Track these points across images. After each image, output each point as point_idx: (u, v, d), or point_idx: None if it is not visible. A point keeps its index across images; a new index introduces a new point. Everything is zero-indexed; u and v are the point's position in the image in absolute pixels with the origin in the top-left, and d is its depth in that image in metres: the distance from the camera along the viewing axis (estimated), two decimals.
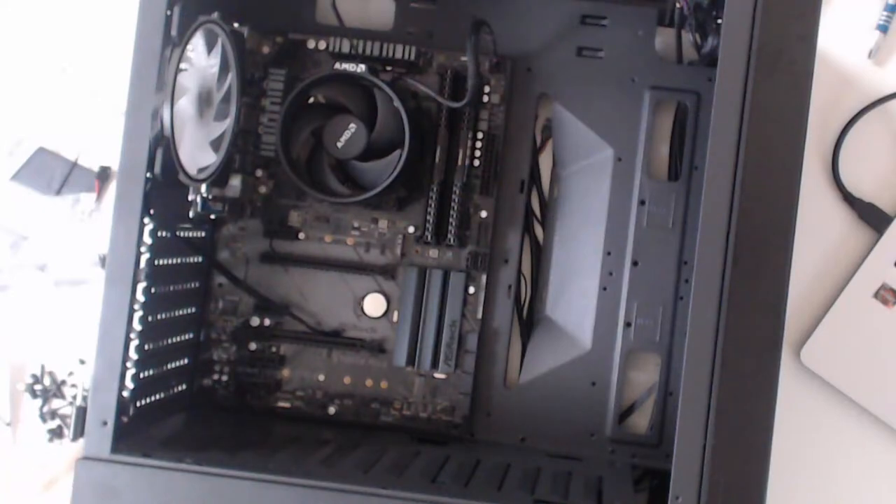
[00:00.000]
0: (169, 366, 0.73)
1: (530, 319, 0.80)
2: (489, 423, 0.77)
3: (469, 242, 0.77)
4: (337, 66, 0.74)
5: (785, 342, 0.58)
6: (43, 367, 0.86)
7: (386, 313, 0.78)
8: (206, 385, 0.78)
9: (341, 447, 0.71)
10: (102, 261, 0.83)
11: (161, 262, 0.68)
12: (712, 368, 0.56)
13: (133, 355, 0.65)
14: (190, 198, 0.70)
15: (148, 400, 0.68)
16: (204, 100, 0.68)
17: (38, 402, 0.85)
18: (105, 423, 0.62)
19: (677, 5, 0.73)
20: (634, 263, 0.76)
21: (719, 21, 0.62)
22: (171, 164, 0.64)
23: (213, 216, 0.76)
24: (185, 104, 0.67)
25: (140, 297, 0.65)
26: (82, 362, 0.85)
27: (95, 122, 0.87)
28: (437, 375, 0.77)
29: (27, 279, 0.87)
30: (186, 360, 0.76)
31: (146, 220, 0.64)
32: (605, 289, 0.76)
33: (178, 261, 0.73)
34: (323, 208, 0.78)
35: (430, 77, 0.77)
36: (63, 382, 0.86)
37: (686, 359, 0.57)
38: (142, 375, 0.67)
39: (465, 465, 0.69)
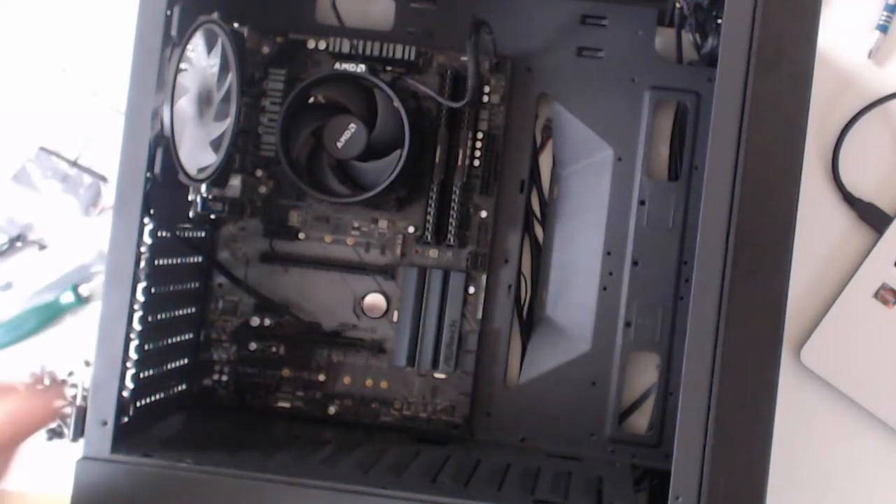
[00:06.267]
0: (169, 366, 0.73)
1: (530, 319, 0.80)
2: (489, 423, 0.77)
3: (469, 242, 0.77)
4: (337, 66, 0.74)
5: (785, 342, 0.58)
6: (43, 367, 0.86)
7: (386, 313, 0.78)
8: (206, 385, 0.78)
9: (341, 447, 0.70)
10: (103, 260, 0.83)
11: (161, 262, 0.68)
12: (712, 368, 0.56)
13: (133, 355, 0.65)
14: (190, 198, 0.70)
15: (148, 400, 0.68)
16: (204, 100, 0.68)
17: None
18: (105, 423, 0.62)
19: (677, 5, 0.73)
20: (634, 263, 0.76)
21: (719, 21, 0.62)
22: (171, 164, 0.64)
23: (213, 216, 0.76)
24: (185, 104, 0.67)
25: (140, 297, 0.65)
26: (87, 364, 0.85)
27: (95, 122, 0.87)
28: (437, 375, 0.77)
29: (27, 279, 0.87)
30: (186, 360, 0.76)
31: (146, 220, 0.64)
32: (605, 289, 0.76)
33: (178, 261, 0.73)
34: (323, 208, 0.78)
35: (430, 77, 0.77)
36: (63, 382, 0.86)
37: (686, 359, 0.57)
38: (142, 375, 0.67)
39: (465, 465, 0.69)
